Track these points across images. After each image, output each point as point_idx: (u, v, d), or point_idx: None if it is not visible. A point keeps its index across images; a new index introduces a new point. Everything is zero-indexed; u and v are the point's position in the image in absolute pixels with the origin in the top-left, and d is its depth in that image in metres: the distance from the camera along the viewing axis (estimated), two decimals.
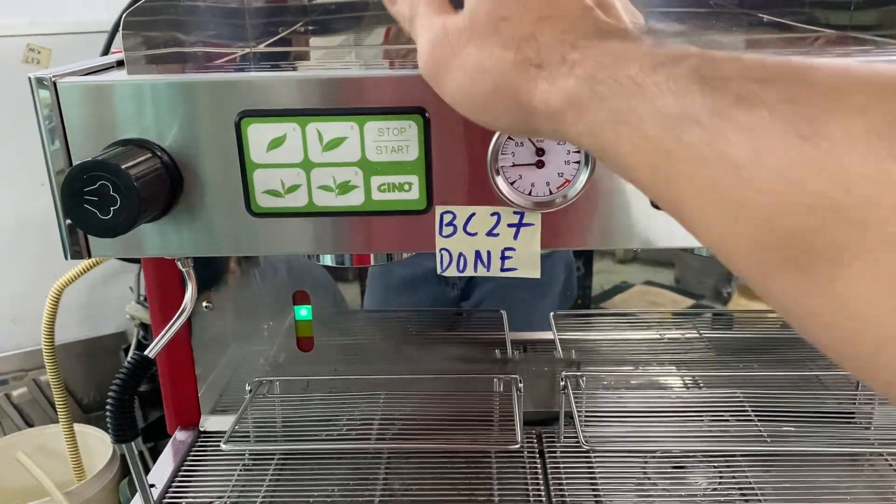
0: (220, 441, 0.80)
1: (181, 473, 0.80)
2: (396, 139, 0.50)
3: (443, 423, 0.84)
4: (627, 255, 0.90)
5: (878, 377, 0.25)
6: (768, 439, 0.80)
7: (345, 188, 0.51)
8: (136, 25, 0.55)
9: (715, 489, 0.76)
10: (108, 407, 0.56)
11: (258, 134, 0.49)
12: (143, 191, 0.46)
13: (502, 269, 0.54)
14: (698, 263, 0.89)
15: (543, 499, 0.75)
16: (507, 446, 0.79)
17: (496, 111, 0.38)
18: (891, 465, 0.79)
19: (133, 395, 0.57)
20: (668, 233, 0.53)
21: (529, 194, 0.51)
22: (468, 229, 0.53)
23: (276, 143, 0.50)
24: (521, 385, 0.81)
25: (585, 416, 0.81)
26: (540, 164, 0.50)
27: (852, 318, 0.24)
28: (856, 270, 0.24)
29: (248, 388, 0.84)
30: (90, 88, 0.50)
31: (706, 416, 0.84)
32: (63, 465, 1.21)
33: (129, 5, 1.09)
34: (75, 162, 0.50)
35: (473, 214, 0.52)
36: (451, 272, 0.54)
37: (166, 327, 0.60)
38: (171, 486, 0.78)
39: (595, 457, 0.80)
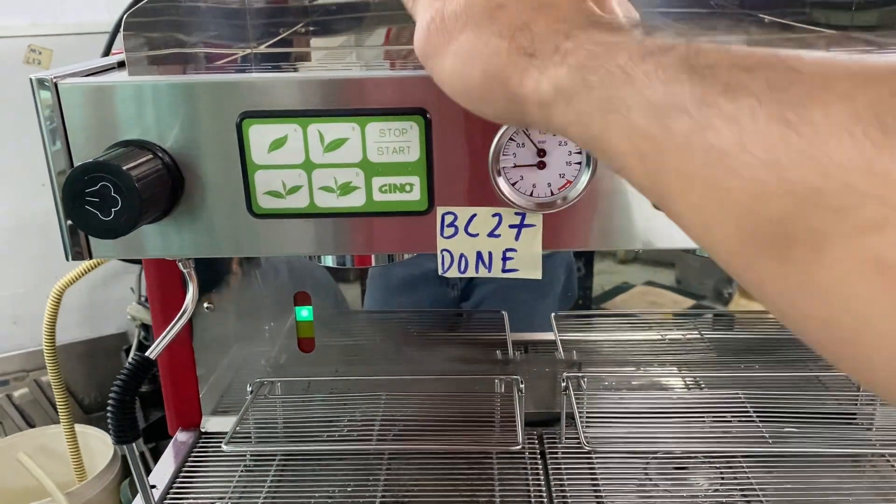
0: (221, 442, 0.80)
1: (182, 474, 0.80)
2: (398, 140, 0.50)
3: (444, 424, 0.84)
4: (628, 255, 0.90)
5: (858, 362, 0.25)
6: (770, 440, 0.80)
7: (346, 189, 0.51)
8: (137, 26, 0.55)
9: (716, 490, 0.76)
10: (109, 408, 0.56)
11: (259, 135, 0.49)
12: (144, 192, 0.46)
13: (504, 270, 0.54)
14: (699, 264, 0.89)
15: (545, 500, 0.75)
16: (508, 447, 0.79)
17: (487, 98, 0.38)
18: (892, 466, 0.79)
19: (134, 396, 0.57)
20: (669, 234, 0.53)
21: (531, 195, 0.51)
22: (469, 230, 0.53)
23: (278, 143, 0.50)
24: (522, 386, 0.81)
25: (587, 417, 0.81)
26: (541, 165, 0.50)
27: (830, 304, 0.25)
28: (833, 256, 0.24)
29: (249, 388, 0.84)
30: (91, 89, 0.50)
31: (708, 417, 0.83)
32: (64, 466, 1.21)
33: (130, 6, 1.09)
34: (76, 163, 0.50)
35: (475, 215, 0.52)
36: (453, 273, 0.54)
37: (167, 328, 0.60)
38: (172, 488, 0.78)
39: (596, 458, 0.80)
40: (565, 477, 0.77)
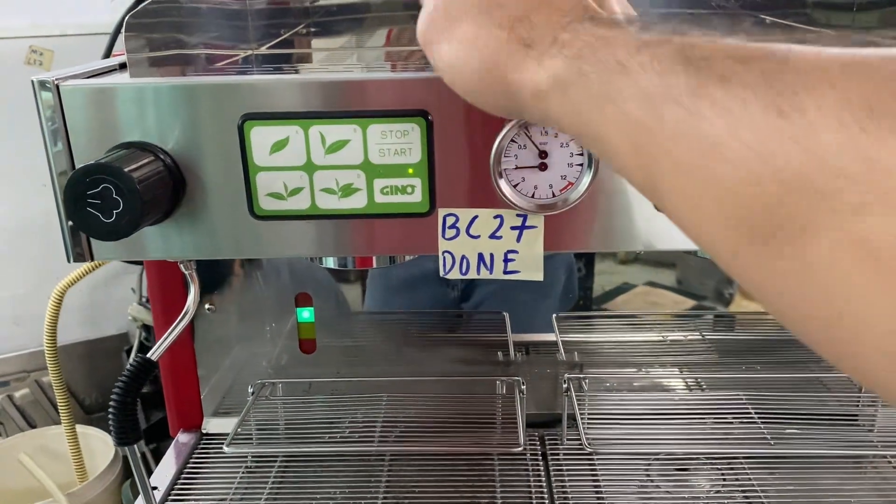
0: (222, 443, 0.80)
1: (184, 476, 0.80)
2: (399, 142, 0.50)
3: (445, 426, 0.84)
4: (629, 256, 0.90)
5: (840, 347, 0.25)
6: (771, 441, 0.79)
7: (347, 191, 0.51)
8: (139, 27, 0.55)
9: (718, 491, 0.76)
10: (111, 410, 0.56)
11: (261, 137, 0.49)
12: (145, 194, 0.46)
13: (505, 272, 0.54)
14: (700, 264, 0.89)
15: (546, 501, 0.75)
16: (509, 449, 0.79)
17: (484, 87, 0.38)
18: (894, 467, 0.79)
19: (136, 397, 0.57)
20: (670, 235, 0.53)
21: (532, 197, 0.51)
22: (471, 232, 0.53)
23: (279, 145, 0.50)
24: (523, 387, 0.81)
25: (588, 419, 0.81)
26: (543, 167, 0.50)
27: (815, 288, 0.25)
28: (819, 240, 0.24)
29: (250, 390, 0.84)
30: (93, 91, 0.50)
31: (709, 418, 0.83)
32: (65, 467, 1.20)
33: (132, 7, 1.09)
34: (78, 165, 0.50)
35: (476, 217, 0.52)
36: (454, 275, 0.54)
37: (169, 330, 0.60)
38: (173, 489, 0.78)
39: (598, 459, 0.80)
40: (567, 478, 0.77)
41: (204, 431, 0.87)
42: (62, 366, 1.09)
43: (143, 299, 1.43)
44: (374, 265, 0.61)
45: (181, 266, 0.59)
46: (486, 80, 0.38)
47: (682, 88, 0.28)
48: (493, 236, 0.53)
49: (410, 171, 0.50)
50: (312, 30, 0.80)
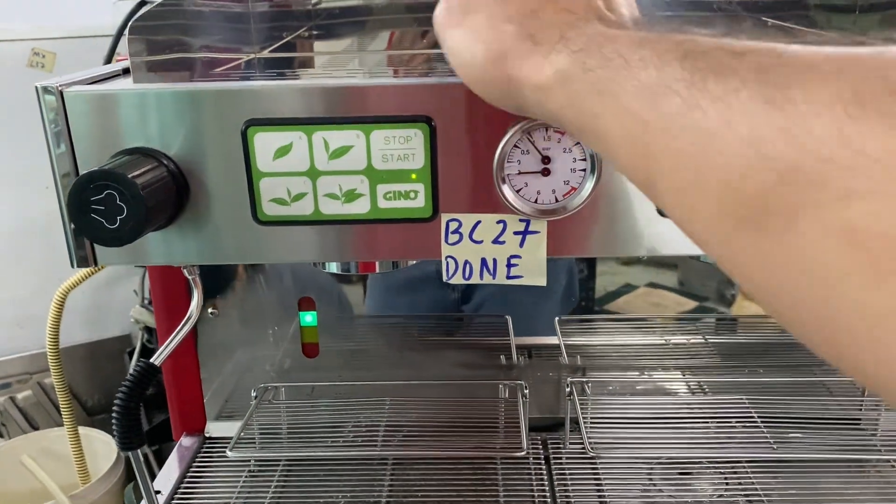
0: (225, 447, 0.80)
1: (187, 480, 0.80)
2: (402, 147, 0.50)
3: (448, 430, 0.84)
4: (631, 257, 0.90)
5: (824, 334, 0.26)
6: (774, 445, 0.79)
7: (351, 196, 0.51)
8: (142, 30, 0.55)
9: (721, 495, 0.76)
10: (114, 415, 0.56)
11: (264, 142, 0.49)
12: (149, 200, 0.46)
13: (508, 277, 0.54)
14: (701, 266, 0.89)
15: None
16: (512, 453, 0.79)
17: (487, 77, 0.40)
18: None
19: (139, 402, 0.57)
20: (673, 240, 0.53)
21: (535, 202, 0.51)
22: (474, 237, 0.53)
23: (283, 151, 0.50)
24: (526, 391, 0.81)
25: (591, 422, 0.80)
26: (546, 172, 0.50)
27: (802, 274, 0.25)
28: (806, 226, 0.24)
29: (253, 394, 0.84)
30: (96, 97, 0.50)
31: (712, 422, 0.83)
32: (68, 469, 1.21)
33: (134, 10, 1.09)
34: (82, 171, 0.50)
35: (479, 222, 0.52)
36: (457, 280, 0.54)
37: (172, 335, 0.60)
38: (176, 493, 0.78)
39: (601, 463, 0.80)
40: (569, 482, 0.77)
41: (207, 435, 0.88)
42: (64, 367, 1.09)
43: (146, 301, 1.43)
44: (378, 270, 0.61)
45: (184, 271, 0.59)
46: (491, 72, 0.39)
47: (680, 81, 0.29)
48: (496, 241, 0.53)
49: (413, 176, 0.50)
50: (315, 32, 0.80)
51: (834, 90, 0.24)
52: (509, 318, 0.89)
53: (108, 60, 1.16)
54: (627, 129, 0.31)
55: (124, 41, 0.54)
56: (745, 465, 0.79)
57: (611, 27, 0.35)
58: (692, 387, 0.90)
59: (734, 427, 0.83)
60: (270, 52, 0.73)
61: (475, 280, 0.54)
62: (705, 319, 0.91)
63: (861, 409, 0.83)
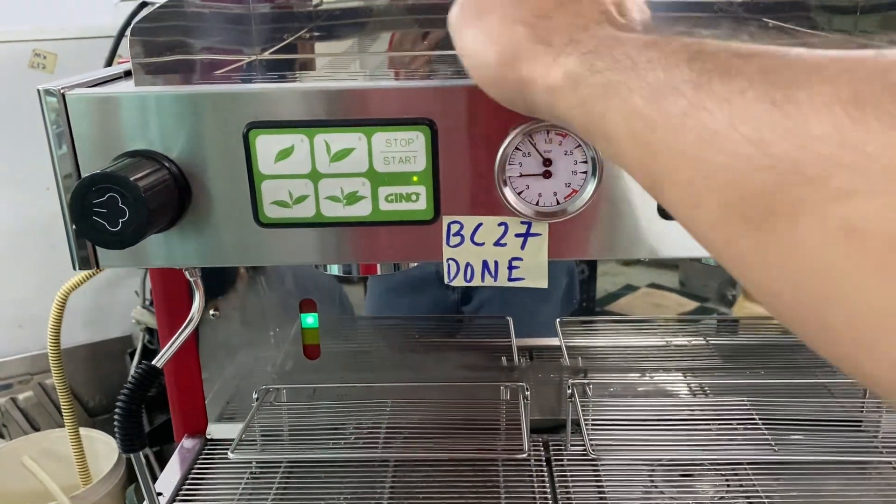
0: (226, 449, 0.80)
1: (188, 482, 0.81)
2: (404, 150, 0.50)
3: (450, 432, 0.84)
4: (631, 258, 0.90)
5: (824, 332, 0.26)
6: (776, 447, 0.79)
7: (352, 199, 0.51)
8: (144, 32, 0.55)
9: (722, 497, 0.76)
10: (116, 417, 0.56)
11: (266, 145, 0.50)
12: (151, 202, 0.46)
13: (510, 279, 0.54)
14: (702, 266, 0.89)
15: None
16: (514, 455, 0.79)
17: (499, 78, 0.40)
18: None
19: (141, 405, 0.57)
20: (675, 243, 0.53)
21: (537, 204, 0.51)
22: (475, 239, 0.53)
23: (284, 154, 0.50)
24: (527, 393, 0.81)
25: (592, 424, 0.80)
26: (547, 175, 0.50)
27: (804, 271, 0.25)
28: (806, 224, 0.25)
29: (254, 395, 0.84)
30: (98, 100, 0.50)
31: (713, 423, 0.83)
32: (69, 470, 1.20)
33: (135, 12, 1.09)
34: (84, 174, 0.50)
35: (481, 224, 0.52)
36: (459, 282, 0.54)
37: (174, 337, 0.60)
38: (178, 495, 0.79)
39: (602, 465, 0.80)
40: (571, 484, 0.77)
41: (208, 437, 0.88)
42: (65, 368, 1.09)
43: (147, 302, 1.43)
44: (379, 272, 0.61)
45: (186, 273, 0.59)
46: (502, 73, 0.39)
47: (687, 82, 0.29)
48: (497, 244, 0.53)
49: (415, 178, 0.50)
50: (315, 34, 0.80)
51: (835, 91, 0.24)
52: (510, 320, 0.89)
53: (110, 62, 1.16)
54: (634, 128, 0.31)
55: (125, 42, 0.54)
56: (747, 466, 0.79)
57: (621, 30, 0.36)
58: (693, 388, 0.90)
59: (735, 429, 0.83)
60: (271, 53, 0.73)
61: (476, 282, 0.54)
62: (706, 321, 0.91)
63: (862, 411, 0.83)
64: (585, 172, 0.50)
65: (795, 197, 0.25)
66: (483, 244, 0.53)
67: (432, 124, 0.49)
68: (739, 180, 0.27)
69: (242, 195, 0.51)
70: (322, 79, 0.58)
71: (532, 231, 0.53)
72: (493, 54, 0.40)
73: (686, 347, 0.90)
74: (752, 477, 0.78)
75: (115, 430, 0.56)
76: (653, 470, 0.79)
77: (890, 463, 0.80)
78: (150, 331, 1.42)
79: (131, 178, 0.45)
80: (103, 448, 1.31)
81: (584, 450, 0.77)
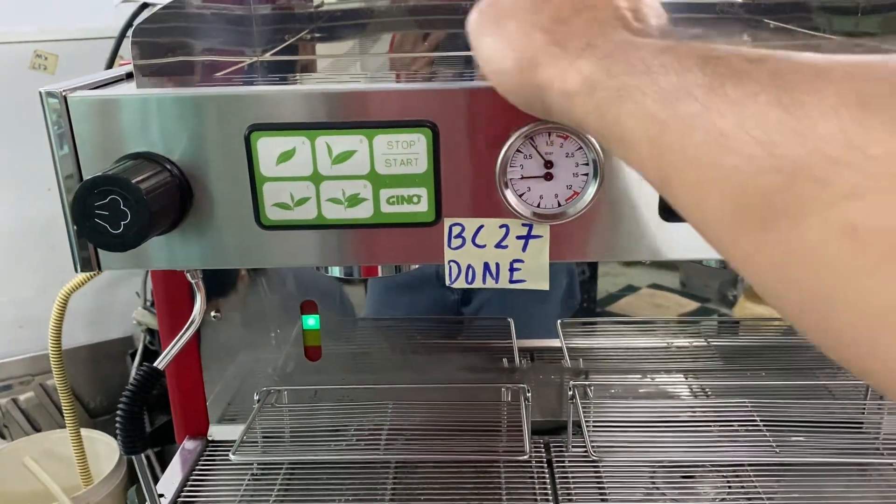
0: (228, 450, 0.80)
1: (190, 483, 0.81)
2: (405, 152, 0.50)
3: (451, 433, 0.83)
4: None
5: (828, 331, 0.26)
6: (777, 449, 0.79)
7: (354, 201, 0.51)
8: (145, 34, 0.55)
9: (723, 499, 0.76)
10: (117, 419, 0.56)
11: (267, 147, 0.50)
12: (153, 205, 0.46)
13: (511, 281, 0.54)
14: (703, 267, 0.89)
15: None
16: (515, 456, 0.79)
17: (516, 82, 0.41)
18: None
19: (143, 407, 0.57)
20: (676, 244, 0.53)
21: (538, 207, 0.51)
22: (477, 241, 0.53)
23: (286, 156, 0.50)
24: (528, 394, 0.81)
25: (593, 426, 0.80)
26: (548, 177, 0.50)
27: (808, 270, 0.26)
28: (810, 223, 0.25)
29: (256, 397, 0.84)
30: (100, 102, 0.50)
31: (714, 425, 0.83)
32: (70, 470, 1.21)
33: (136, 13, 1.09)
34: (86, 176, 0.50)
35: (482, 226, 0.52)
36: (460, 284, 0.54)
37: (175, 339, 0.60)
38: (179, 496, 0.79)
39: (603, 466, 0.79)
40: (572, 486, 0.77)
41: (210, 438, 0.88)
42: (66, 369, 1.09)
43: (148, 303, 1.43)
44: (380, 274, 0.61)
45: (187, 275, 0.59)
46: (520, 77, 0.40)
47: (700, 86, 0.30)
48: (498, 246, 0.53)
49: (416, 181, 0.50)
50: (317, 35, 0.80)
51: (839, 95, 0.25)
52: (511, 321, 0.89)
53: (111, 63, 1.16)
54: (648, 132, 0.32)
55: (127, 44, 0.54)
56: (748, 468, 0.79)
57: (637, 35, 0.37)
58: (695, 390, 0.90)
59: (737, 430, 0.83)
60: (273, 54, 0.73)
61: (478, 284, 0.54)
62: (707, 322, 0.91)
63: (863, 413, 0.83)
64: (587, 174, 0.50)
65: (800, 197, 0.25)
66: (484, 246, 0.53)
67: (434, 126, 0.49)
68: (747, 181, 0.27)
69: (244, 197, 0.51)
70: (323, 81, 0.58)
71: (533, 233, 0.53)
72: (511, 60, 0.40)
73: (687, 349, 0.90)
74: (754, 478, 0.78)
75: (117, 432, 0.56)
76: (654, 471, 0.79)
77: (891, 464, 0.79)
78: (151, 332, 1.42)
79: (133, 181, 0.45)
80: (104, 449, 1.31)
81: (586, 451, 0.77)
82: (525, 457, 0.76)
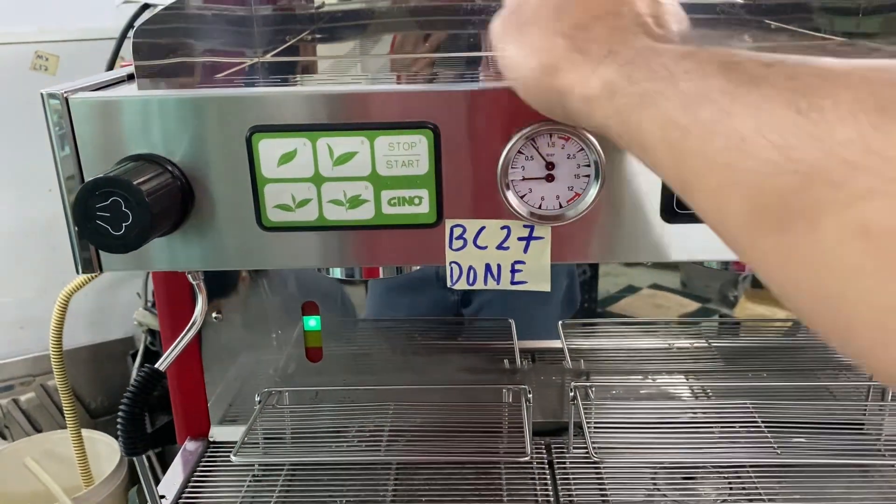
0: (229, 452, 0.80)
1: (191, 484, 0.80)
2: (407, 154, 0.50)
3: (452, 434, 0.83)
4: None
5: (842, 329, 0.27)
6: (778, 450, 0.79)
7: (355, 202, 0.51)
8: (146, 35, 0.55)
9: (724, 500, 0.76)
10: (119, 421, 0.56)
11: (269, 149, 0.50)
12: (154, 206, 0.46)
13: (512, 283, 0.54)
14: (704, 268, 0.89)
15: None
16: (516, 457, 0.79)
17: (538, 88, 0.42)
18: None
19: (144, 408, 0.57)
20: (678, 246, 0.53)
21: (539, 208, 0.51)
22: (478, 243, 0.53)
23: (287, 157, 0.50)
24: (529, 395, 0.81)
25: (595, 427, 0.80)
26: (550, 178, 0.50)
27: (820, 271, 0.26)
28: (825, 225, 0.26)
29: (257, 398, 0.84)
30: (101, 104, 0.50)
31: (716, 426, 0.83)
32: (71, 471, 1.21)
33: (137, 14, 1.09)
34: (87, 178, 0.50)
35: (483, 228, 0.52)
36: (462, 285, 0.54)
37: (177, 340, 0.60)
38: (181, 497, 0.78)
39: (604, 468, 0.79)
40: (573, 487, 0.77)
41: (211, 439, 0.88)
42: (67, 370, 1.09)
43: (149, 304, 1.43)
44: (381, 275, 0.61)
45: (189, 276, 0.59)
46: (542, 83, 0.41)
47: (718, 90, 0.30)
48: (500, 247, 0.53)
49: (418, 182, 0.50)
50: (317, 36, 0.80)
51: (856, 99, 0.26)
52: (512, 322, 0.89)
53: (112, 64, 1.16)
54: (669, 137, 0.32)
55: (128, 44, 0.54)
56: (749, 469, 0.79)
57: (658, 41, 0.37)
58: (696, 391, 0.90)
59: (738, 431, 0.83)
60: (274, 56, 0.73)
61: (479, 286, 0.54)
62: (709, 323, 0.91)
63: (865, 414, 0.83)
64: (588, 176, 0.50)
65: (816, 199, 0.26)
66: (486, 248, 0.53)
67: (435, 128, 0.49)
68: (765, 184, 0.28)
69: (245, 199, 0.51)
70: (325, 82, 0.58)
71: (535, 234, 0.53)
72: (534, 65, 0.41)
73: (688, 349, 0.90)
74: (755, 479, 0.78)
75: (118, 433, 0.56)
76: (655, 472, 0.79)
77: (893, 465, 0.79)
78: (151, 332, 1.42)
79: (134, 182, 0.45)
80: (105, 449, 1.31)
81: (587, 452, 0.77)
82: (526, 458, 0.76)
